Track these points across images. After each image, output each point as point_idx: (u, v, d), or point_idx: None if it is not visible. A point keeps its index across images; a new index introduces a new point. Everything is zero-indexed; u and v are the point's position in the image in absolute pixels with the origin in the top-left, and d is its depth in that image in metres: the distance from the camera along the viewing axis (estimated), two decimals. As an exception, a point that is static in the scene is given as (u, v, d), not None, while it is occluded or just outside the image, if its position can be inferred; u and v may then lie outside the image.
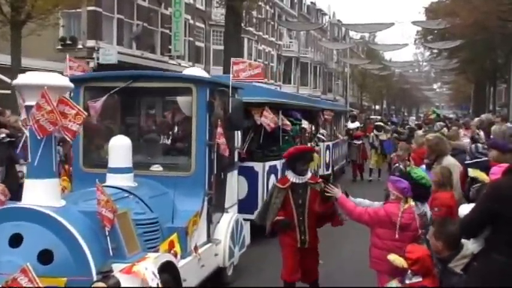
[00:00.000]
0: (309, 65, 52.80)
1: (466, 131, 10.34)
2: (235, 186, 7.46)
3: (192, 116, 6.02)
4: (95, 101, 6.01)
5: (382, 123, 20.06)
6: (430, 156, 6.90)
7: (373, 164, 17.73)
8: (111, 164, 5.47)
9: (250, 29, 34.50)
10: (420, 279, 4.11)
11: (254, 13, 31.67)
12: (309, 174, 5.90)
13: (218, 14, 31.16)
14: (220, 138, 5.99)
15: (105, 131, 6.74)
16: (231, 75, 6.91)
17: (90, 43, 21.49)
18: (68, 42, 21.20)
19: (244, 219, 7.52)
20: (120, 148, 5.46)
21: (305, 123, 12.37)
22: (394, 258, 4.26)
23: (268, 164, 9.41)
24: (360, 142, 18.32)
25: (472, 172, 5.13)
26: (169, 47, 26.53)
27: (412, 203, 4.83)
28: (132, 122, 7.39)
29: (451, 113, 60.31)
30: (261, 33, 41.41)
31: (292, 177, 5.77)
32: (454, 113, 55.67)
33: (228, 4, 20.18)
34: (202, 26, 31.90)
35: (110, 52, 21.22)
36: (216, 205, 6.40)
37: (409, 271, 4.20)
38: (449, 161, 6.57)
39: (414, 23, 35.25)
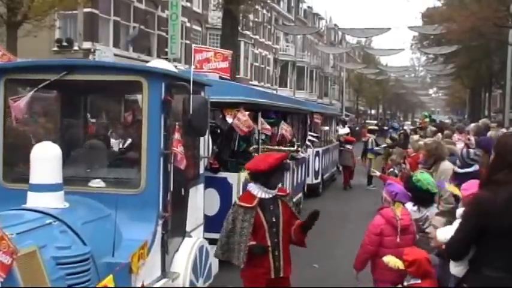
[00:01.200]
0: (306, 69, 52.89)
1: (460, 136, 10.34)
2: (200, 203, 6.10)
3: (142, 118, 4.76)
4: (18, 97, 4.82)
5: (376, 127, 20.24)
6: (428, 161, 6.88)
7: (374, 169, 17.11)
8: (33, 179, 4.18)
9: (247, 32, 34.52)
10: (419, 281, 4.09)
11: (251, 17, 31.66)
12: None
13: (215, 17, 31.18)
14: (178, 145, 4.74)
15: (33, 135, 5.45)
16: (192, 67, 5.69)
17: (87, 45, 21.46)
18: (64, 43, 21.16)
19: (215, 240, 6.25)
20: (45, 159, 4.18)
21: (284, 127, 10.64)
22: (389, 259, 4.25)
23: (243, 174, 7.66)
24: (352, 147, 17.85)
25: (447, 186, 5.09)
26: (166, 49, 26.51)
27: (402, 207, 4.83)
28: (69, 125, 6.06)
29: (447, 118, 60.48)
30: (257, 36, 41.45)
31: (259, 191, 4.56)
32: (449, 118, 55.90)
33: (225, 7, 20.18)
34: (199, 29, 31.92)
35: (106, 54, 21.18)
36: (174, 230, 5.06)
37: (408, 274, 4.19)
38: (446, 165, 6.57)
39: (410, 28, 35.40)
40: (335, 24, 63.62)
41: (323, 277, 7.49)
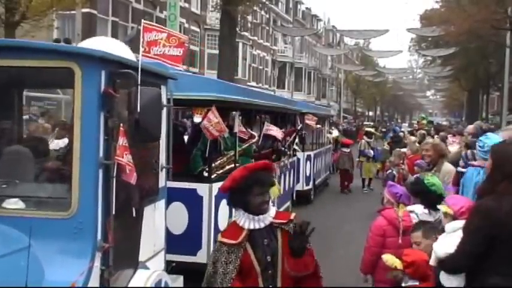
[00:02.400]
0: (304, 70, 52.93)
1: (454, 138, 10.35)
2: (161, 223, 4.86)
3: (74, 118, 3.59)
4: None
5: (373, 130, 19.12)
6: (434, 161, 6.88)
7: (366, 173, 16.59)
8: None
9: (245, 33, 34.53)
10: (417, 283, 4.07)
11: (249, 18, 31.70)
12: (273, 210, 3.48)
13: (213, 18, 31.16)
14: (124, 154, 3.59)
15: None
16: (140, 49, 4.39)
17: (85, 45, 21.44)
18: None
19: (183, 263, 5.43)
20: None
21: (270, 128, 9.39)
22: (388, 258, 4.23)
23: (216, 185, 6.27)
24: (349, 150, 17.18)
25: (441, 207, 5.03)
26: (164, 50, 26.48)
27: (405, 208, 4.82)
28: None
29: (444, 120, 60.56)
30: (255, 38, 41.47)
31: (246, 221, 3.36)
32: (447, 121, 55.91)
33: (223, 8, 20.18)
34: (197, 29, 31.92)
35: (104, 54, 21.13)
36: (120, 262, 3.89)
37: (405, 275, 4.17)
38: (449, 166, 6.59)
39: (409, 30, 35.45)
40: (333, 26, 63.67)
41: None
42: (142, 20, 5.46)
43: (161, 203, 4.88)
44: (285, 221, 3.43)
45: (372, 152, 16.57)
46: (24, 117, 5.90)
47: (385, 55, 47.74)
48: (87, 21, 21.45)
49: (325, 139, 17.57)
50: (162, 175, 4.89)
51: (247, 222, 3.36)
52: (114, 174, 3.64)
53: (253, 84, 37.57)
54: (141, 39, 4.51)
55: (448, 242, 3.62)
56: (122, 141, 3.59)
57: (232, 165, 7.12)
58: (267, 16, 44.20)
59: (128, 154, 3.62)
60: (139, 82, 3.67)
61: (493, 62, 35.27)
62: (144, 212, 4.38)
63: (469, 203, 4.08)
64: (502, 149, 3.50)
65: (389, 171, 9.06)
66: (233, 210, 3.59)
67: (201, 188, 6.50)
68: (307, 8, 58.66)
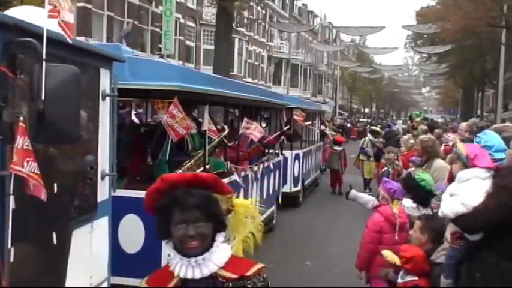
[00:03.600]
0: (300, 66, 52.91)
1: (455, 135, 10.36)
2: (101, 248, 3.89)
3: None
4: None
5: (378, 128, 17.74)
6: (422, 157, 6.89)
7: (367, 173, 15.43)
8: None
9: (241, 29, 34.46)
10: (416, 278, 4.09)
11: (245, 13, 31.65)
12: (221, 253, 2.13)
13: (209, 13, 31.07)
14: (27, 159, 2.49)
15: None
16: (46, 6, 2.77)
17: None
18: (57, 38, 21.02)
19: None
20: None
21: (248, 126, 7.83)
22: (388, 254, 4.24)
23: None
24: (341, 148, 16.06)
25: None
26: (160, 45, 26.40)
27: (400, 204, 4.84)
28: None
29: (440, 117, 60.76)
30: (252, 33, 41.40)
31: (178, 264, 2.13)
32: (442, 118, 56.13)
33: (220, 4, 20.11)
34: (193, 25, 31.82)
35: (99, 49, 21.04)
36: None
37: (402, 271, 4.18)
38: (440, 163, 6.58)
39: (405, 27, 35.47)
40: (329, 22, 63.69)
41: (316, 274, 7.49)
42: None
43: (102, 221, 3.83)
44: (235, 277, 2.10)
45: (370, 150, 15.57)
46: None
47: (381, 52, 47.84)
48: (82, 16, 21.32)
49: (315, 136, 16.47)
50: (104, 185, 3.84)
51: (178, 266, 2.12)
52: (11, 191, 2.56)
53: (249, 80, 37.52)
54: None
55: (454, 201, 3.70)
56: (22, 142, 2.47)
57: (202, 168, 5.98)
58: (263, 12, 44.12)
59: (31, 161, 2.51)
60: (43, 57, 2.53)
61: (489, 59, 35.38)
62: (73, 236, 3.32)
63: (485, 154, 4.08)
64: None
65: (385, 168, 9.05)
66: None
67: None
68: (303, 4, 58.61)
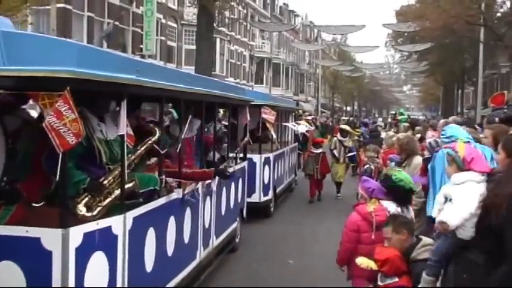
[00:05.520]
0: (281, 65, 52.98)
1: (434, 133, 10.49)
2: None
3: None
4: None
5: (348, 127, 15.78)
6: (400, 155, 6.99)
7: (336, 176, 14.05)
8: None
9: (223, 29, 34.42)
10: (396, 279, 4.07)
11: (227, 13, 31.60)
12: None
13: (190, 13, 30.99)
14: None
15: None
16: None
17: (60, 41, 21.14)
18: (37, 39, 20.80)
19: None
20: None
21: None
22: (362, 261, 4.22)
23: (79, 229, 3.70)
24: (320, 151, 13.83)
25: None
26: (141, 46, 26.27)
27: (378, 203, 4.77)
28: None
29: (421, 114, 61.30)
30: (233, 33, 41.37)
31: None
32: (423, 115, 56.62)
33: (201, 4, 20.07)
34: (174, 25, 31.72)
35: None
36: None
37: (380, 273, 4.17)
38: (419, 160, 6.67)
39: (385, 25, 35.71)
40: (311, 22, 63.90)
41: (298, 272, 7.52)
42: None
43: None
44: None
45: (337, 151, 14.11)
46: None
47: (362, 50, 48.12)
48: (62, 17, 21.12)
49: (289, 137, 14.70)
50: None
51: None
52: None
53: (231, 79, 37.51)
54: None
55: (453, 209, 3.61)
56: None
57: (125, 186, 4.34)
58: (245, 11, 44.11)
59: None
60: None
61: (468, 57, 35.83)
62: None
63: (482, 158, 4.04)
64: None
65: (367, 166, 9.10)
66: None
67: (45, 235, 3.48)
68: (284, 4, 58.71)
